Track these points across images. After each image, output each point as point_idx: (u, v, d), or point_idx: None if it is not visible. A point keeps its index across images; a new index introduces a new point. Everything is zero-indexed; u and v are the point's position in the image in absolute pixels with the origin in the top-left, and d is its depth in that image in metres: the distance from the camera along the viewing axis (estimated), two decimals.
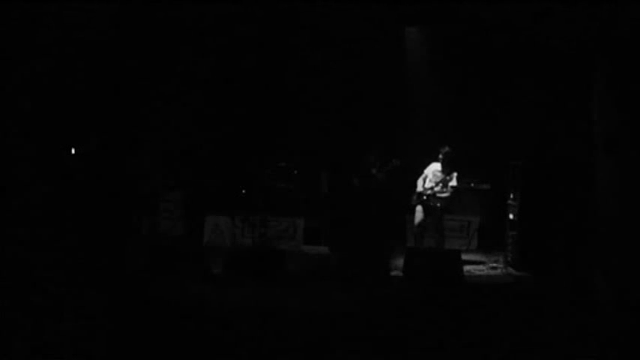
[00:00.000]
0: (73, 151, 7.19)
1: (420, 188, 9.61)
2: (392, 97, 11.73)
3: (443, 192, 9.49)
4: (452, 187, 9.49)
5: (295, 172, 10.94)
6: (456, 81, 11.45)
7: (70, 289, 5.91)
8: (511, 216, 9.71)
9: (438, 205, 9.52)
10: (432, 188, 9.51)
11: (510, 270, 9.44)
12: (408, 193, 9.81)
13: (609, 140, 6.96)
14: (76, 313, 5.77)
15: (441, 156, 9.45)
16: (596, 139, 7.20)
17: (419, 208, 9.60)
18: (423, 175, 9.62)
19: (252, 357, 5.75)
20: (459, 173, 9.57)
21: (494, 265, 9.74)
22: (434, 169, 9.57)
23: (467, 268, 9.23)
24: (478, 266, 9.71)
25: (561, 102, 8.98)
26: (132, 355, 5.63)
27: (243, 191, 10.54)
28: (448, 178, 9.45)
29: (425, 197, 9.53)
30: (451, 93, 11.55)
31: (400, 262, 8.78)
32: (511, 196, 9.76)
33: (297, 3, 9.74)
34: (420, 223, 9.63)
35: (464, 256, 9.14)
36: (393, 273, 8.75)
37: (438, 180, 9.49)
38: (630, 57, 6.67)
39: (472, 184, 11.05)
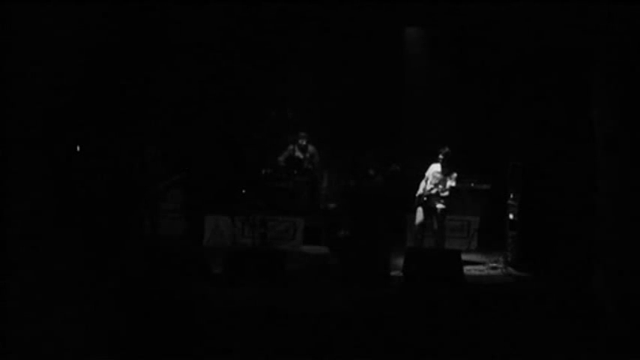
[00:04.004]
0: (73, 151, 7.19)
1: (420, 190, 9.65)
2: (391, 97, 11.73)
3: (443, 192, 9.51)
4: (450, 187, 9.51)
5: (295, 172, 10.94)
6: (456, 81, 11.45)
7: (70, 289, 5.91)
8: (511, 216, 9.71)
9: (438, 205, 9.54)
10: (431, 190, 9.54)
11: (510, 270, 9.44)
12: (408, 194, 9.83)
13: (609, 140, 6.96)
14: (75, 313, 5.77)
15: (440, 156, 9.48)
16: (596, 139, 7.20)
17: (420, 208, 9.64)
18: (425, 178, 9.65)
19: (252, 357, 5.75)
20: (458, 173, 9.60)
21: (494, 265, 9.74)
22: (434, 170, 9.60)
23: (467, 268, 9.23)
24: (478, 266, 9.72)
25: (561, 102, 8.97)
26: (133, 354, 5.64)
27: (243, 191, 10.52)
28: (448, 178, 9.48)
29: (425, 198, 9.56)
30: (451, 93, 11.56)
31: (400, 262, 8.78)
32: (511, 196, 9.76)
33: (296, 3, 9.74)
34: (421, 223, 9.65)
35: (464, 256, 9.14)
36: (393, 273, 8.75)
37: (437, 181, 9.51)
38: (630, 56, 6.67)
39: (472, 184, 11.07)
